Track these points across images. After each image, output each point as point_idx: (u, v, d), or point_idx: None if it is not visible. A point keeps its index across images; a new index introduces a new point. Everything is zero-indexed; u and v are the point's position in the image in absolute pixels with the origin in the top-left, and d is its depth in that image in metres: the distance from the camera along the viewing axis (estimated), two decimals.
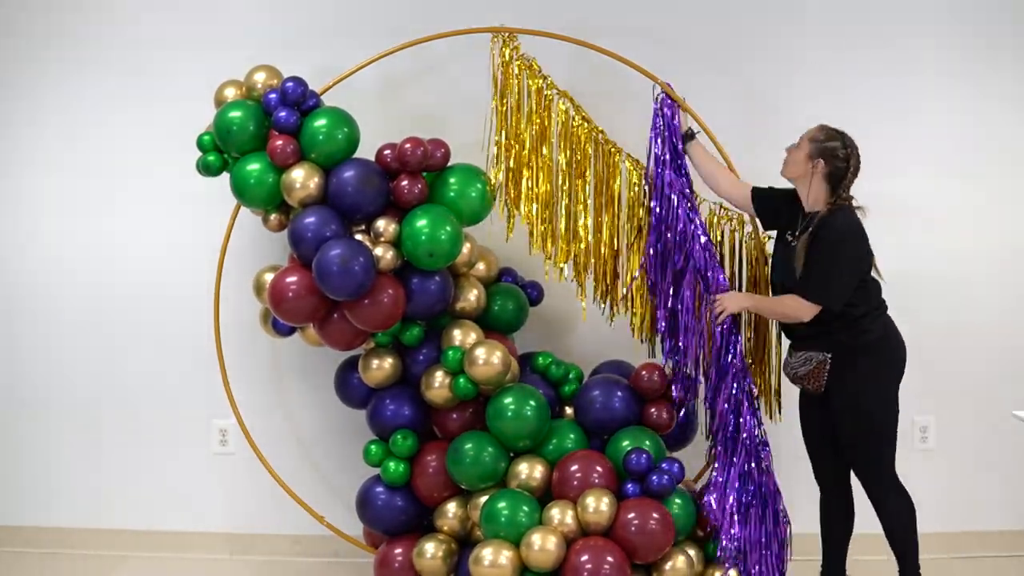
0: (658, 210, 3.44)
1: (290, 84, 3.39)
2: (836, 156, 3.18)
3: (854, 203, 3.22)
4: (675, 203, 3.43)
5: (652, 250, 3.45)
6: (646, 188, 3.50)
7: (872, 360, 3.20)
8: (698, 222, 3.42)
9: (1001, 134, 3.96)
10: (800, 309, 3.17)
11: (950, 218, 3.89)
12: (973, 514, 4.03)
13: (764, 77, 3.93)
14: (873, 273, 3.22)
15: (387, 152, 3.39)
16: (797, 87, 3.93)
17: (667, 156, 3.46)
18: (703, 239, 3.39)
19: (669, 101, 3.50)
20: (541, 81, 3.50)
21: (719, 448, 3.38)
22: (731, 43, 3.92)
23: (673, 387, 3.47)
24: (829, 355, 3.21)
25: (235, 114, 3.40)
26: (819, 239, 3.15)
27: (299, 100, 3.38)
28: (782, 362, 3.46)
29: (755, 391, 3.40)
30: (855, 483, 3.38)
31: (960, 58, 3.94)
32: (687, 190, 3.46)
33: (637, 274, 3.50)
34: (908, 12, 3.92)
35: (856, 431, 3.25)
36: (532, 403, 3.37)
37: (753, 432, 3.34)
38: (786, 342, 3.46)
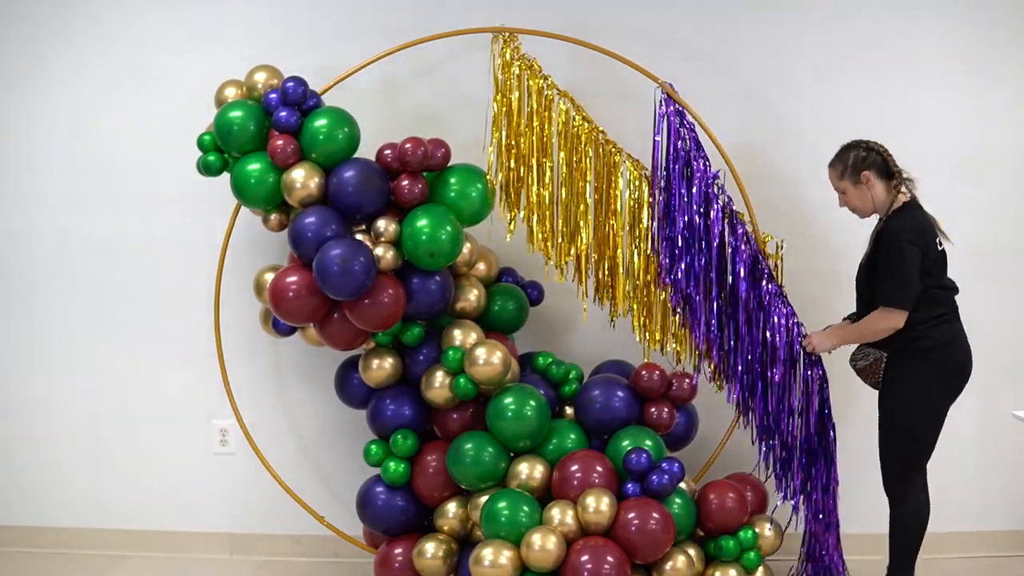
0: (663, 213, 3.47)
1: (291, 84, 3.39)
2: (865, 157, 3.27)
3: (905, 176, 3.27)
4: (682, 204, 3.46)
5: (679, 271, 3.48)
6: (661, 200, 3.49)
7: (923, 366, 3.22)
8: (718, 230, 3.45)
9: (1002, 134, 3.95)
10: (890, 319, 3.19)
11: (950, 218, 3.87)
12: (973, 514, 4.03)
13: (764, 77, 3.93)
14: (942, 280, 3.24)
15: (387, 152, 3.39)
16: (797, 87, 3.93)
17: (678, 156, 3.47)
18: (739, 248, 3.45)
19: (671, 102, 3.50)
20: (541, 81, 3.50)
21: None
22: (731, 43, 3.92)
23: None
24: (885, 354, 3.28)
25: (235, 114, 3.40)
26: (883, 242, 3.22)
27: (300, 100, 3.38)
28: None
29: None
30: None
31: (960, 58, 3.94)
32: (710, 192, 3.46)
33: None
34: (908, 12, 3.92)
35: (888, 428, 3.30)
36: (532, 403, 3.37)
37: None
38: None
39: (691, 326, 3.51)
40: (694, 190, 3.43)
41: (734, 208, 3.48)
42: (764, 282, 3.45)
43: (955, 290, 3.29)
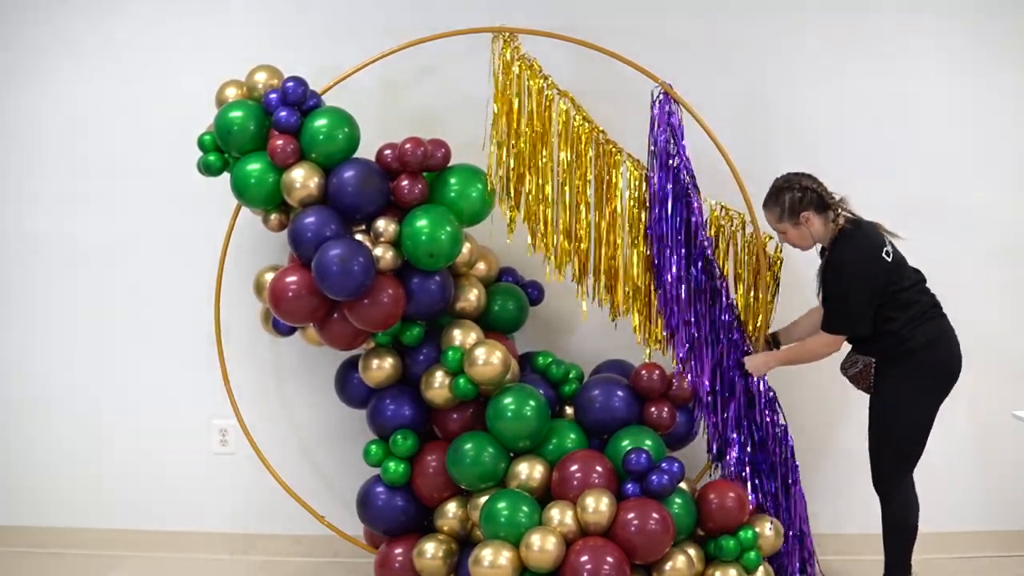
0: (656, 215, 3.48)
1: (291, 84, 3.38)
2: (801, 198, 3.27)
3: (837, 199, 3.28)
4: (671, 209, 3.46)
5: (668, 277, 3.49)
6: (647, 196, 3.50)
7: (910, 368, 3.22)
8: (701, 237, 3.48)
9: (1001, 134, 3.95)
10: (828, 344, 3.28)
11: (950, 218, 3.88)
12: (973, 514, 4.03)
13: (764, 77, 3.93)
14: (904, 283, 3.23)
15: (387, 152, 3.39)
16: (797, 87, 3.93)
17: (666, 159, 3.47)
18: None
19: (668, 102, 3.49)
20: (542, 81, 3.50)
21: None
22: (731, 43, 3.92)
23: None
24: (873, 360, 3.28)
25: (236, 114, 3.40)
26: (827, 275, 3.25)
27: (300, 100, 3.38)
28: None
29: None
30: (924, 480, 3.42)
31: (960, 58, 3.94)
32: (690, 192, 3.47)
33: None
34: (908, 12, 3.92)
35: (877, 430, 3.30)
36: (532, 403, 3.37)
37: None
38: None
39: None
40: (671, 196, 3.45)
41: (700, 221, 3.48)
42: (716, 306, 3.48)
43: (922, 281, 3.28)
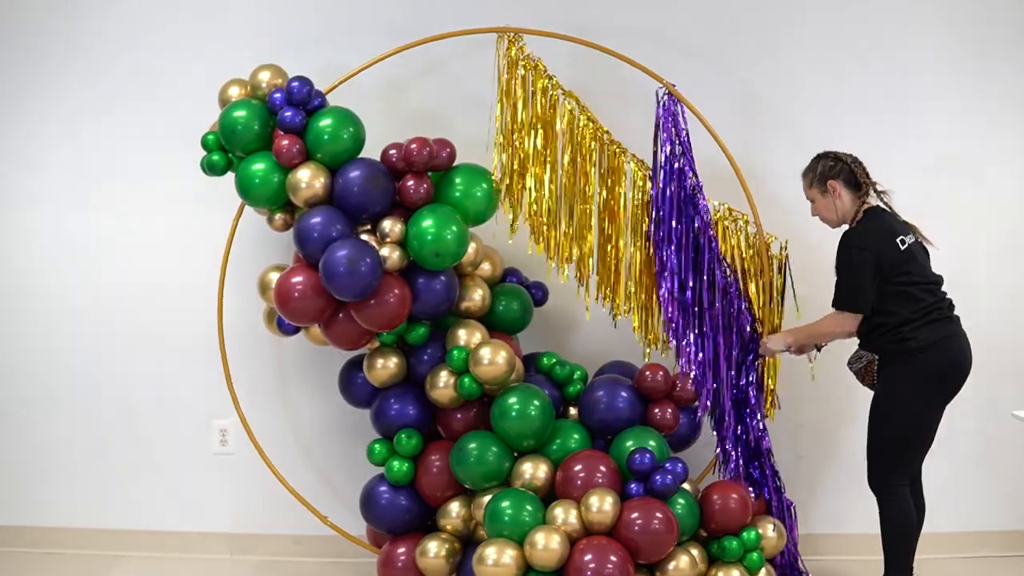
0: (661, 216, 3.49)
1: (295, 83, 3.38)
2: (832, 167, 3.34)
3: (878, 189, 3.34)
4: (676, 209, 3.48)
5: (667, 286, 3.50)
6: (651, 196, 3.51)
7: (910, 369, 3.22)
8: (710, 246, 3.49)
9: (1001, 134, 3.97)
10: (840, 323, 3.29)
11: (950, 218, 3.90)
12: (973, 514, 4.04)
13: (764, 77, 3.95)
14: (915, 282, 3.24)
15: (393, 152, 3.39)
16: (797, 87, 3.94)
17: (671, 160, 3.47)
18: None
19: (672, 102, 3.50)
20: (546, 81, 3.50)
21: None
22: (731, 43, 3.94)
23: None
24: (876, 356, 3.29)
25: (240, 113, 3.39)
26: (838, 252, 3.28)
27: (304, 100, 3.38)
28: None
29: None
30: (924, 480, 3.46)
31: (960, 58, 3.96)
32: (697, 192, 3.48)
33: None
34: (907, 12, 3.94)
35: (874, 429, 3.31)
36: (536, 403, 3.37)
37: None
38: None
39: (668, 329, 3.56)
40: (671, 195, 3.46)
41: (707, 222, 3.48)
42: (723, 306, 3.49)
43: (935, 283, 3.29)
